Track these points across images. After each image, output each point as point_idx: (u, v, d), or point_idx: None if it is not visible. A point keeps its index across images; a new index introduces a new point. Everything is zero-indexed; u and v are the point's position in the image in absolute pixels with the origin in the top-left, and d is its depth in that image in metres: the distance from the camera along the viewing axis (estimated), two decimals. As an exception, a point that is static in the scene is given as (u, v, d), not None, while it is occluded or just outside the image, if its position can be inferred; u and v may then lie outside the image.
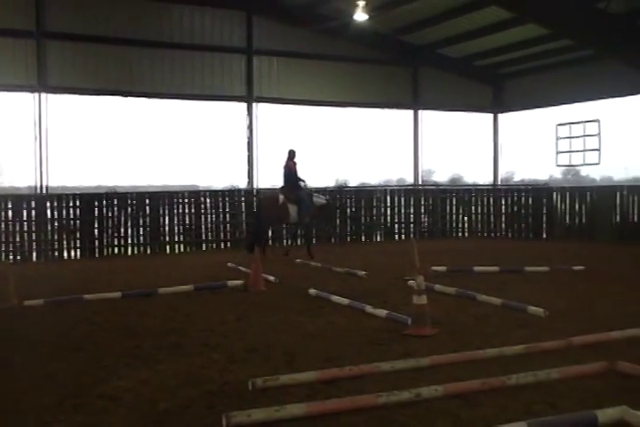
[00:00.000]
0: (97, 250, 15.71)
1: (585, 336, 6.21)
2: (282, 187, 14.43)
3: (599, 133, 18.88)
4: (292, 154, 14.28)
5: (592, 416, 4.06)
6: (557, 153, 20.19)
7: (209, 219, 16.96)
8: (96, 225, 15.75)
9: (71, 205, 15.54)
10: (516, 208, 18.91)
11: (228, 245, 17.06)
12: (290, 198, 14.07)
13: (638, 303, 8.19)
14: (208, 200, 17.00)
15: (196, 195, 17.02)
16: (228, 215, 17.12)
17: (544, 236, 18.42)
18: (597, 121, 18.96)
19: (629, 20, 16.23)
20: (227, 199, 17.15)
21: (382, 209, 18.83)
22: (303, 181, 14.45)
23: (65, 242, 15.45)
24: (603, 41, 16.25)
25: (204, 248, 16.80)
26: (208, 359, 5.82)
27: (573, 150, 19.58)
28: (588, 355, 5.66)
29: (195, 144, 19.67)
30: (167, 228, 16.46)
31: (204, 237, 16.88)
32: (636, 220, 16.52)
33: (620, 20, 16.13)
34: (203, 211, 16.89)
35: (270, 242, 16.00)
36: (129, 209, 16.10)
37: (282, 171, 14.42)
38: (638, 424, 3.98)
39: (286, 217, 14.26)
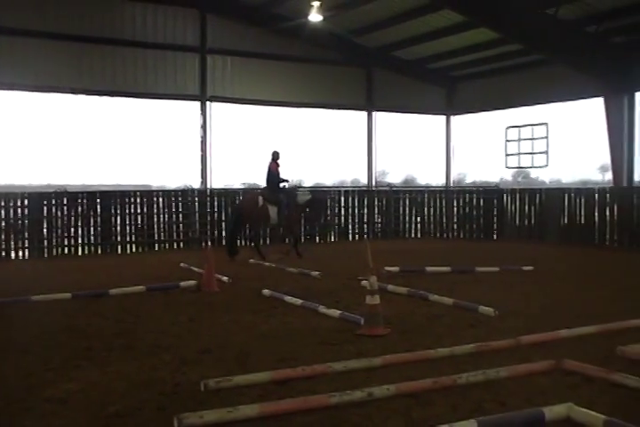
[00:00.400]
0: (46, 250, 15.39)
1: (533, 335, 6.34)
2: (263, 188, 14.50)
3: (547, 136, 19.27)
4: (275, 155, 14.20)
5: (539, 413, 4.15)
6: (507, 155, 20.54)
7: (162, 219, 16.78)
8: (45, 225, 15.43)
9: (19, 204, 15.19)
10: (467, 209, 19.18)
11: (181, 245, 16.91)
12: (270, 200, 13.98)
13: (585, 303, 8.39)
14: (161, 200, 16.82)
15: (148, 194, 16.83)
16: (180, 215, 16.96)
17: (495, 236, 18.73)
18: (546, 124, 19.35)
19: (578, 26, 16.65)
20: (180, 199, 16.99)
21: (336, 209, 18.88)
22: (286, 181, 14.37)
23: (12, 242, 15.10)
24: (552, 46, 16.64)
25: (156, 248, 16.62)
26: (160, 361, 5.76)
27: (522, 153, 19.94)
28: (537, 353, 5.78)
29: (148, 143, 19.54)
30: (119, 228, 16.23)
31: (156, 238, 16.69)
32: (582, 221, 16.91)
33: (568, 25, 16.53)
34: (155, 211, 16.70)
35: (262, 242, 16.11)
36: (79, 208, 15.82)
37: (265, 172, 14.35)
38: (583, 420, 4.08)
39: (267, 219, 14.19)
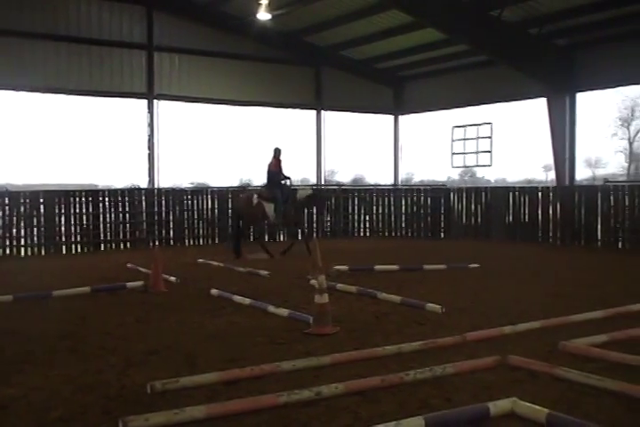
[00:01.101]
0: (-13, 251, 14.99)
1: (479, 332, 6.45)
2: (262, 186, 14.52)
3: (491, 136, 19.62)
4: (276, 152, 14.08)
5: (485, 409, 4.22)
6: (453, 154, 20.83)
7: (108, 218, 16.49)
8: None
9: (-42, 204, 14.77)
10: (415, 208, 19.37)
11: (128, 245, 16.66)
12: (265, 197, 13.96)
13: (529, 299, 8.56)
14: (107, 199, 16.54)
15: (94, 194, 16.52)
16: (127, 215, 16.70)
17: (442, 235, 18.97)
18: (490, 124, 19.69)
19: (521, 28, 16.99)
20: (126, 199, 16.73)
21: (285, 209, 18.82)
22: (288, 178, 14.31)
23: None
24: (496, 47, 16.96)
25: (102, 249, 16.33)
26: (105, 363, 5.65)
27: (467, 152, 20.25)
28: (482, 350, 5.87)
29: (94, 142, 19.15)
30: (63, 228, 15.89)
31: (102, 238, 16.41)
32: (526, 219, 17.28)
33: (512, 27, 16.86)
34: (101, 210, 16.41)
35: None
36: (22, 208, 15.43)
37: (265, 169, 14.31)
38: (527, 415, 4.16)
39: (264, 216, 14.18)
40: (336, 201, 19.50)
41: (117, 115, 19.29)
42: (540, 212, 17.06)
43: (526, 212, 17.29)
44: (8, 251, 15.25)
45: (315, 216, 19.19)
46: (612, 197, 15.65)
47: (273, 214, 14.02)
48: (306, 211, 17.02)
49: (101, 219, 16.39)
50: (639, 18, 15.40)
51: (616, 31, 16.41)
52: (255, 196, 14.10)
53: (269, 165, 14.16)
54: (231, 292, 8.94)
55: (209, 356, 5.86)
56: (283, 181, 14.21)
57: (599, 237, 15.92)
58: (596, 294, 8.83)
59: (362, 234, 19.79)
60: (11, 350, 6.14)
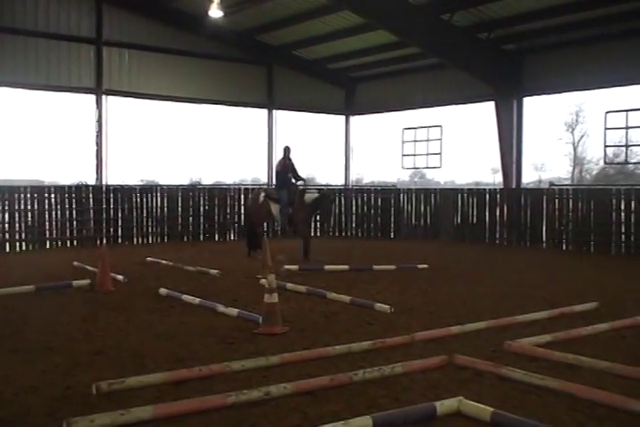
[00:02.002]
0: None
1: (427, 332, 6.54)
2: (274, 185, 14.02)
3: (441, 138, 19.86)
4: (286, 151, 13.53)
5: (431, 408, 4.27)
6: (403, 156, 21.03)
7: (54, 216, 16.15)
8: None
9: None
10: (365, 209, 19.51)
11: (75, 243, 16.35)
12: (272, 197, 13.55)
13: (476, 300, 8.71)
14: (53, 196, 16.19)
15: (39, 190, 16.16)
16: (74, 212, 16.38)
17: (392, 235, 19.14)
18: (440, 126, 19.94)
19: (471, 33, 17.27)
20: (73, 195, 16.41)
21: (236, 208, 18.77)
22: (301, 179, 13.69)
23: None
24: (447, 50, 17.19)
25: (48, 246, 15.99)
26: (49, 364, 5.54)
27: (417, 154, 20.47)
28: (430, 349, 5.95)
29: (40, 137, 18.71)
30: (7, 225, 15.49)
31: (48, 235, 16.06)
32: (474, 220, 17.57)
33: (463, 31, 17.12)
34: (47, 207, 16.06)
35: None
36: (-37, 204, 15.02)
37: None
38: (473, 413, 4.24)
39: (269, 216, 13.90)
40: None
41: (65, 110, 18.89)
42: (487, 213, 17.40)
43: (474, 213, 17.61)
44: (-52, 248, 14.83)
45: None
46: (556, 200, 16.07)
47: (278, 215, 13.58)
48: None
49: (47, 216, 16.05)
50: (586, 25, 15.79)
51: (563, 38, 16.80)
52: (262, 194, 13.80)
53: (277, 165, 13.78)
54: (180, 291, 8.87)
55: (157, 356, 5.80)
56: (294, 182, 13.51)
57: (544, 238, 16.31)
58: (541, 295, 9.04)
59: (312, 234, 19.78)
60: (-50, 351, 5.97)
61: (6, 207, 15.47)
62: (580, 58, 16.65)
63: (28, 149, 18.53)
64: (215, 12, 17.25)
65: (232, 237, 18.63)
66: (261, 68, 21.47)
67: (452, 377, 5.16)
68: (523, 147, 18.36)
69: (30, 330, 6.85)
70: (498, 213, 17.09)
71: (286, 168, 13.46)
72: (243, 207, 18.13)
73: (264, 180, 22.22)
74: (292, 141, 22.25)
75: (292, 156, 13.57)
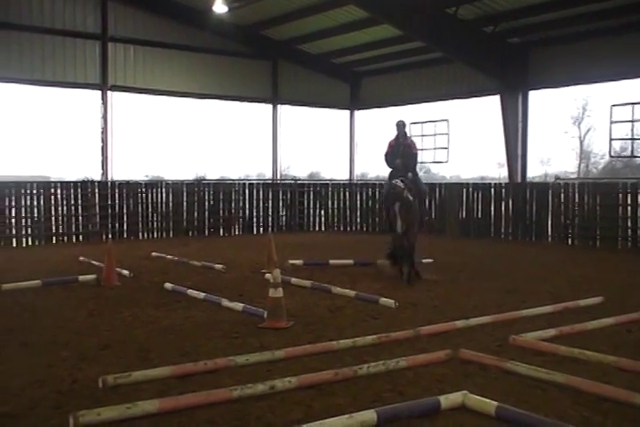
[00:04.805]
0: None
1: (432, 326, 6.54)
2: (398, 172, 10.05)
3: (448, 133, 19.83)
4: (401, 126, 10.37)
5: (435, 402, 4.28)
6: (410, 150, 20.97)
7: (60, 211, 16.19)
8: None
9: None
10: (370, 203, 19.50)
11: (81, 238, 16.39)
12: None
13: (481, 294, 8.71)
14: (59, 191, 16.23)
15: (46, 186, 16.20)
16: (80, 208, 16.42)
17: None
18: (447, 120, 19.90)
19: (476, 26, 17.21)
20: (79, 191, 16.44)
21: (241, 203, 18.80)
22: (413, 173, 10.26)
23: None
24: (452, 44, 17.15)
25: (54, 242, 16.04)
26: (56, 358, 5.57)
27: (424, 148, 20.44)
28: (435, 344, 5.96)
29: (47, 133, 18.78)
30: (14, 220, 15.55)
31: (54, 230, 16.11)
32: (480, 215, 17.54)
33: (467, 25, 17.07)
34: (53, 203, 16.10)
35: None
36: (-30, 200, 15.07)
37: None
38: (477, 407, 4.24)
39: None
40: (291, 195, 19.52)
41: (71, 106, 18.96)
42: (492, 208, 17.36)
43: (479, 208, 17.56)
44: (-45, 243, 14.89)
45: (270, 210, 19.20)
46: (562, 195, 16.00)
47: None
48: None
49: (53, 211, 16.09)
50: (592, 18, 15.73)
51: (569, 31, 16.74)
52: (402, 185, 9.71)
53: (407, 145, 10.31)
54: (185, 286, 8.90)
55: (162, 350, 5.83)
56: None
57: (550, 233, 16.27)
58: (545, 289, 9.03)
59: (317, 228, 19.84)
60: (-42, 345, 6.01)
61: (13, 203, 15.52)
62: (586, 51, 16.59)
63: (34, 145, 18.58)
64: (220, 7, 17.25)
65: (237, 232, 18.65)
66: (266, 62, 21.47)
67: (456, 371, 5.17)
68: (528, 141, 18.33)
69: (37, 324, 6.88)
70: (503, 208, 17.05)
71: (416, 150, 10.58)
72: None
73: (269, 175, 22.24)
74: (296, 136, 22.46)
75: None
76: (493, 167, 46.92)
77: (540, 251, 14.42)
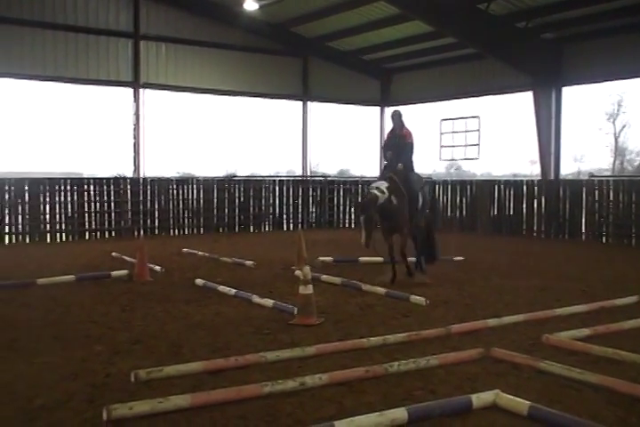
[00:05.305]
0: (-30, 239, 14.87)
1: (463, 324, 6.48)
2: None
3: (479, 129, 19.66)
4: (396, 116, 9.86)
5: (467, 401, 4.25)
6: (441, 147, 20.87)
7: (93, 207, 16.40)
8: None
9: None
10: (401, 200, 19.37)
11: (113, 234, 16.59)
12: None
13: (513, 292, 8.62)
14: (92, 188, 16.44)
15: (79, 182, 16.42)
16: (113, 204, 16.61)
17: (427, 227, 19.01)
18: (478, 117, 19.73)
19: (509, 22, 17.01)
20: (112, 187, 16.63)
21: (271, 199, 18.85)
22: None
23: None
24: (484, 40, 16.98)
25: (87, 237, 16.24)
26: (90, 352, 5.64)
27: (456, 145, 20.30)
28: (466, 342, 5.91)
29: (79, 131, 19.01)
30: (48, 216, 15.79)
31: (87, 226, 16.32)
32: (511, 212, 17.37)
33: (500, 20, 16.88)
34: (86, 199, 16.31)
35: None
36: (6, 196, 15.30)
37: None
38: (509, 407, 4.20)
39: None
40: (321, 192, 19.52)
41: (103, 103, 19.14)
42: (524, 205, 17.18)
43: (511, 205, 17.39)
44: (-9, 239, 15.15)
45: (300, 207, 19.22)
46: (596, 192, 15.78)
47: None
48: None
49: (86, 207, 16.30)
50: (627, 12, 15.46)
51: (604, 26, 16.47)
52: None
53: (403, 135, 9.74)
54: (216, 282, 8.95)
55: (194, 345, 5.86)
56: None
57: (583, 230, 16.05)
58: (579, 288, 8.91)
59: (347, 225, 19.82)
60: (-6, 338, 6.11)
61: (47, 199, 15.76)
62: (620, 46, 16.31)
63: (67, 143, 18.81)
64: (250, 5, 17.31)
65: (267, 229, 18.71)
66: (296, 59, 21.48)
67: (488, 370, 5.12)
68: (561, 137, 18.10)
69: (71, 319, 6.97)
70: (535, 205, 16.86)
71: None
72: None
73: (298, 172, 22.26)
74: (326, 133, 22.43)
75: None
76: (525, 164, 46.39)
77: (574, 249, 14.22)
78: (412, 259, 10.02)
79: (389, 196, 8.97)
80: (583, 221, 16.06)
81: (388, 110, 23.50)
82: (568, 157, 40.85)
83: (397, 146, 9.69)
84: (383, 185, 9.07)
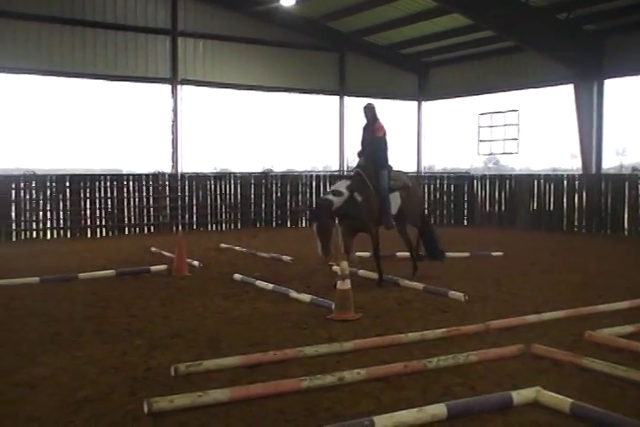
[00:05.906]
0: (14, 233, 15.15)
1: (503, 320, 6.41)
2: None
3: (518, 123, 19.42)
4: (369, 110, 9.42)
5: (508, 397, 4.20)
6: (479, 142, 20.66)
7: (132, 203, 16.61)
8: (13, 208, 15.19)
9: (-14, 187, 14.94)
10: (438, 195, 19.29)
11: (152, 229, 16.78)
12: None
13: (553, 288, 8.50)
14: (131, 184, 16.65)
15: (118, 178, 16.65)
16: (151, 199, 16.81)
17: (465, 222, 18.88)
18: (517, 111, 19.48)
19: (549, 14, 16.73)
20: (150, 183, 16.83)
21: (308, 195, 18.86)
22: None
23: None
24: (523, 33, 16.73)
25: (126, 233, 16.46)
26: (130, 345, 5.72)
27: (494, 139, 20.07)
28: (506, 338, 5.85)
29: (118, 127, 19.24)
30: (89, 211, 16.04)
31: (126, 222, 16.54)
32: (551, 207, 17.12)
33: (540, 12, 16.61)
34: (126, 195, 16.52)
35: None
36: (48, 192, 15.58)
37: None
38: (551, 404, 4.14)
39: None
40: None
41: (142, 100, 19.34)
42: (565, 200, 16.91)
43: (551, 200, 17.14)
44: (34, 234, 15.43)
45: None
46: (639, 186, 15.45)
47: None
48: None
49: (126, 203, 16.52)
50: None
51: (646, 17, 16.11)
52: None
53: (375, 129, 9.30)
54: (254, 277, 8.99)
55: (232, 340, 5.90)
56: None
57: (626, 226, 15.74)
58: (622, 284, 8.75)
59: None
60: (38, 332, 6.23)
61: (87, 195, 16.01)
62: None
63: (107, 139, 19.08)
64: (287, 0, 17.30)
65: (304, 224, 18.73)
66: (333, 54, 21.44)
67: (528, 367, 5.06)
68: (603, 131, 17.75)
69: (112, 313, 7.07)
70: (576, 200, 16.59)
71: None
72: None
73: (335, 167, 22.24)
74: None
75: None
76: (566, 159, 45.66)
77: (616, 244, 13.96)
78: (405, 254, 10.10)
79: (351, 194, 8.58)
80: (625, 216, 15.74)
81: (426, 104, 23.37)
82: (610, 151, 40.00)
83: (369, 141, 9.28)
84: (342, 186, 8.68)
